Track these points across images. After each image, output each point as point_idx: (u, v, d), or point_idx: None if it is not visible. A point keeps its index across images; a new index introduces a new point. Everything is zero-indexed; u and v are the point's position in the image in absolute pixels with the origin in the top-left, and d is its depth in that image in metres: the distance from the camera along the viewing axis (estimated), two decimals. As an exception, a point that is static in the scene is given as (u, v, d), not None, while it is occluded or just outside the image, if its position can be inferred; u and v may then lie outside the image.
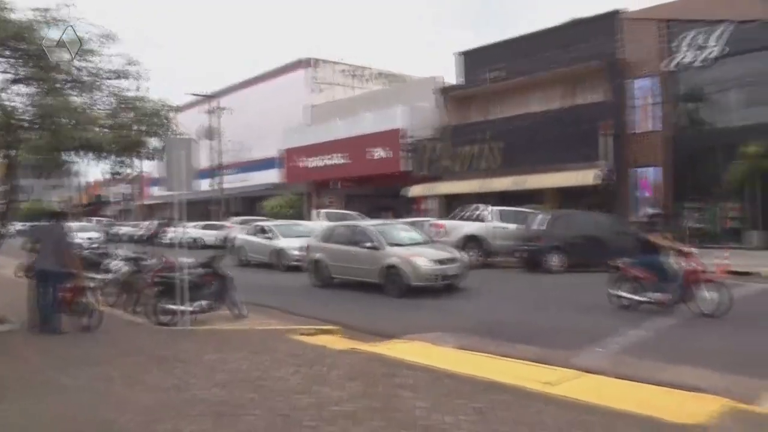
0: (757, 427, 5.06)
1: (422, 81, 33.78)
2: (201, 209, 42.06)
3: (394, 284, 13.67)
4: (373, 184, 33.79)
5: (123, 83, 10.63)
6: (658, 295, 10.46)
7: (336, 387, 6.20)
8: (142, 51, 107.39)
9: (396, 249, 14.15)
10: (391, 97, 34.45)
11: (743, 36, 20.30)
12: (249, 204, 43.16)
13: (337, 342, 8.73)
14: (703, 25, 21.69)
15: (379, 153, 32.26)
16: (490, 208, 20.93)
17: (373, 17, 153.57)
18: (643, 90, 23.85)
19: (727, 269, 14.19)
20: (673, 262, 10.55)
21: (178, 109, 13.71)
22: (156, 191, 52.09)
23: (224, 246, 26.49)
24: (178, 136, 11.09)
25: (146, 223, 43.04)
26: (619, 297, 10.92)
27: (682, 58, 22.46)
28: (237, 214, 37.90)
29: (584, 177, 23.26)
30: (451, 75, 31.93)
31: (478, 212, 20.97)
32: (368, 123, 33.10)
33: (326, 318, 10.88)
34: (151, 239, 34.53)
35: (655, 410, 5.23)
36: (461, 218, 21.29)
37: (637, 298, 10.71)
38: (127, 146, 10.89)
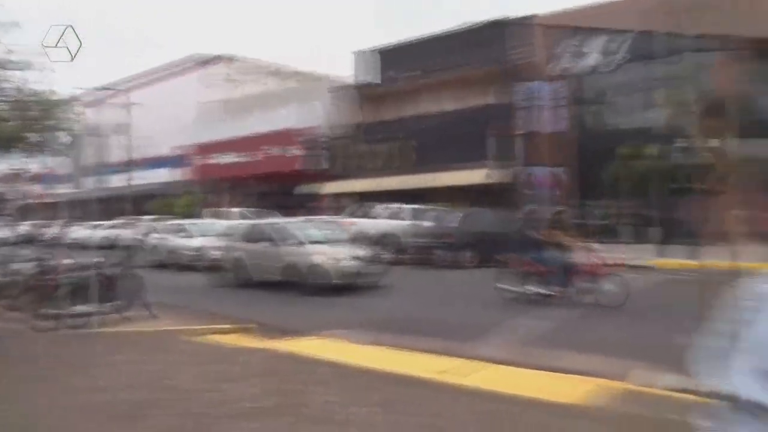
0: (631, 401, 5.50)
1: (334, 79, 33.80)
2: (92, 208, 40.39)
3: (313, 282, 13.65)
4: (281, 181, 33.25)
5: (27, 75, 10.17)
6: (556, 288, 10.95)
7: (247, 384, 6.21)
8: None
9: (316, 247, 14.17)
10: (299, 95, 34.25)
11: (644, 45, 21.62)
12: (142, 202, 40.09)
13: (248, 340, 8.73)
14: (608, 32, 22.90)
15: (290, 150, 31.94)
16: (403, 205, 21.29)
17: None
18: (548, 92, 24.85)
19: (624, 263, 14.99)
20: (572, 257, 11.09)
21: (78, 102, 13.19)
22: (46, 189, 49.15)
23: (113, 246, 25.53)
24: (78, 132, 10.73)
25: (39, 221, 40.89)
26: (511, 291, 11.40)
27: (587, 62, 23.63)
28: (123, 213, 36.42)
29: (485, 176, 24.28)
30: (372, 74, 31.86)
31: (381, 210, 21.35)
32: (279, 120, 32.72)
33: (239, 316, 10.77)
34: (44, 240, 32.99)
35: (551, 395, 5.60)
36: (371, 216, 21.51)
37: (534, 290, 11.17)
38: (27, 140, 10.45)
